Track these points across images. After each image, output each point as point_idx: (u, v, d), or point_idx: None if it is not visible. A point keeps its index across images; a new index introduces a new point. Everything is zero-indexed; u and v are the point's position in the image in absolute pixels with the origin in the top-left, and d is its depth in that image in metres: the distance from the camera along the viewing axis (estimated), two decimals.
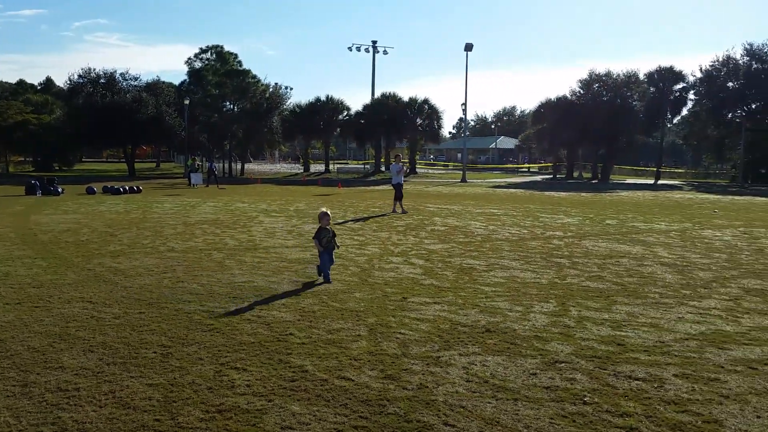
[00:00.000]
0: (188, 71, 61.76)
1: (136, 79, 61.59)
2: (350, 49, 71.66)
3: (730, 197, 34.67)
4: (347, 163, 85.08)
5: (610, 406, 4.57)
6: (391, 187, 21.25)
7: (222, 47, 61.71)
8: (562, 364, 5.46)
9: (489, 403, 4.62)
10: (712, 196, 35.34)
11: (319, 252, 9.02)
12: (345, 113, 67.78)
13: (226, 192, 32.83)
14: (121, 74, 60.10)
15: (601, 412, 4.46)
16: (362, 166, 74.52)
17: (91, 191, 29.78)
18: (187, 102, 55.21)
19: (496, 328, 6.58)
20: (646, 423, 4.28)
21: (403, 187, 21.31)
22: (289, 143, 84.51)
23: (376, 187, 41.66)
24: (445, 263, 10.60)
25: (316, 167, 73.65)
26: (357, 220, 17.68)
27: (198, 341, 6.04)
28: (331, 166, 71.18)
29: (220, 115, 60.59)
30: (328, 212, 9.46)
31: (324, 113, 66.07)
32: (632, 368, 5.37)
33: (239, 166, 63.49)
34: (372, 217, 18.92)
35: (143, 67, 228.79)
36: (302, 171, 68.62)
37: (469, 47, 53.19)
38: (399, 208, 20.36)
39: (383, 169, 67.35)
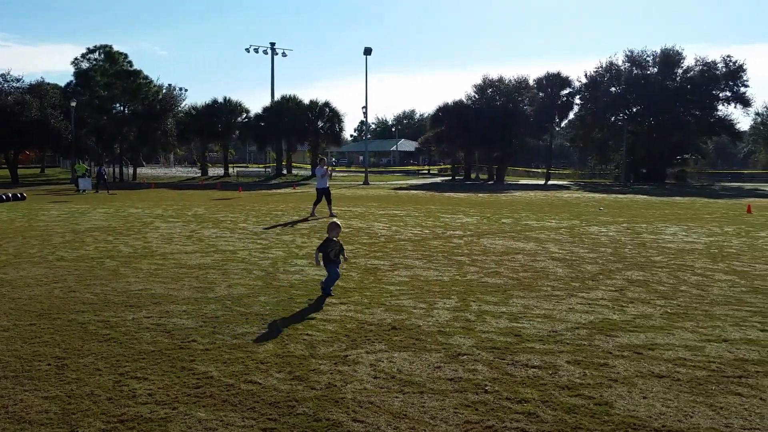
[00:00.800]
0: (75, 72, 58.71)
1: (18, 80, 57.96)
2: (248, 50, 70.66)
3: (614, 196, 36.99)
4: (247, 167, 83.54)
5: (510, 393, 4.80)
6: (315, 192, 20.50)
7: (111, 47, 59.10)
8: (465, 357, 5.66)
9: (396, 397, 4.73)
10: (597, 195, 37.58)
11: (328, 264, 8.21)
12: (244, 115, 66.63)
13: (117, 197, 31.43)
14: (1, 75, 56.25)
15: (501, 400, 4.68)
16: (263, 170, 73.47)
17: None
18: (73, 104, 52.45)
19: (401, 325, 6.72)
20: (543, 408, 4.54)
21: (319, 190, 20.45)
22: (185, 146, 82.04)
23: (279, 191, 41.22)
24: (349, 264, 10.67)
25: (215, 171, 71.83)
26: (260, 224, 17.44)
27: (95, 352, 5.78)
28: (230, 170, 69.71)
29: (109, 118, 57.95)
30: (340, 224, 8.81)
31: (222, 115, 64.61)
32: (529, 357, 5.66)
33: (131, 171, 60.89)
34: (278, 222, 18.73)
35: (26, 68, 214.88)
36: (200, 175, 66.74)
37: (368, 51, 53.72)
38: (318, 211, 19.94)
39: (285, 172, 66.74)
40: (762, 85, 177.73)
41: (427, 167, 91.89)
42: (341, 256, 8.46)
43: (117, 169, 59.56)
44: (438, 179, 69.03)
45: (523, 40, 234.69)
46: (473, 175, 70.16)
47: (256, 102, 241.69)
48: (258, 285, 8.84)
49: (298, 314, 7.17)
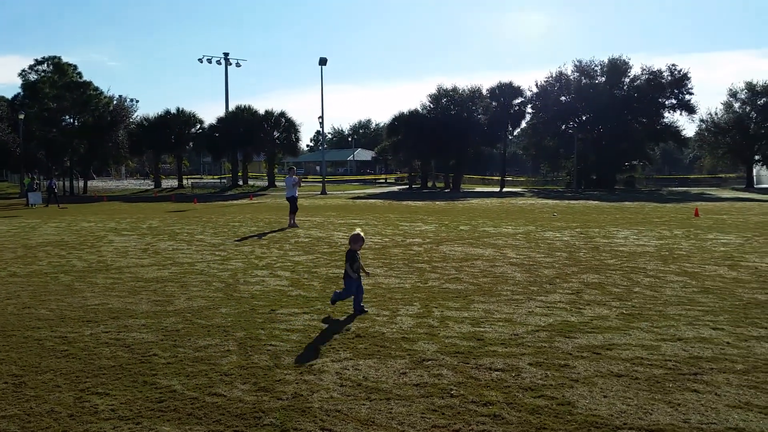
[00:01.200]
0: (23, 84, 57.17)
1: None
2: (201, 60, 69.65)
3: (566, 202, 37.79)
4: (202, 178, 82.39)
5: (475, 396, 4.87)
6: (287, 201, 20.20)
7: (60, 58, 57.72)
8: (429, 362, 5.72)
9: (363, 404, 4.74)
10: (550, 201, 38.34)
11: (348, 278, 7.71)
12: (198, 126, 65.81)
13: (68, 211, 30.61)
14: None
15: (467, 403, 4.74)
16: (218, 181, 72.55)
17: None
18: (21, 117, 50.90)
19: (365, 333, 6.74)
20: (507, 409, 4.62)
21: (292, 200, 20.09)
22: (137, 158, 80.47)
23: (235, 202, 40.75)
24: (311, 274, 10.65)
25: (169, 183, 70.64)
26: (217, 236, 17.22)
27: (53, 368, 5.63)
28: (185, 182, 68.63)
29: (59, 130, 56.46)
30: (363, 235, 8.18)
31: (175, 126, 63.68)
32: (492, 360, 5.74)
33: (81, 184, 59.37)
34: (250, 233, 18.52)
35: None
36: (153, 187, 65.52)
37: (323, 61, 53.76)
38: (291, 221, 19.79)
39: (241, 183, 66.07)
40: (705, 93, 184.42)
41: (384, 176, 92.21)
42: (362, 270, 8.04)
43: (67, 183, 57.98)
44: (395, 188, 69.33)
45: (476, 51, 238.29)
46: (430, 184, 70.72)
47: (210, 113, 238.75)
48: (218, 297, 8.74)
49: (260, 325, 7.11)
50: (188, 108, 78.77)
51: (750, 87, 65.91)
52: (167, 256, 13.18)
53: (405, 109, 64.90)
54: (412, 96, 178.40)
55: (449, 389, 5.03)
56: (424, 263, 11.77)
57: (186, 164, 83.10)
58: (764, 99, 65.40)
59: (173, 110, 64.13)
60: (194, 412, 4.61)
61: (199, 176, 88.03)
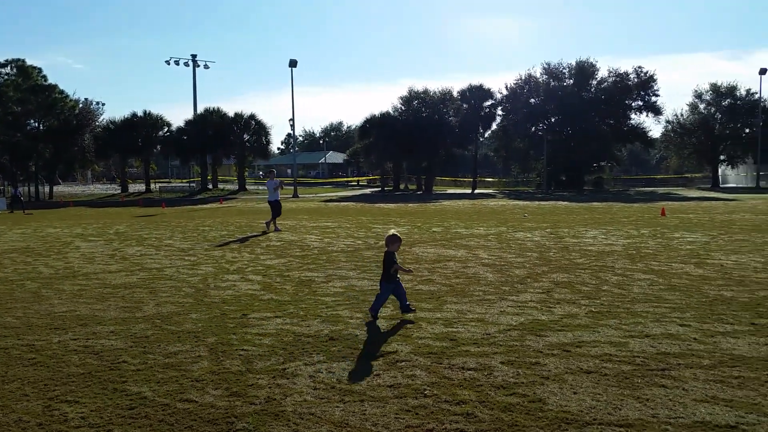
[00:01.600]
0: None
1: None
2: (168, 62, 68.82)
3: (537, 203, 38.22)
4: (170, 182, 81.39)
5: (448, 396, 4.90)
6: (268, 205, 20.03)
7: (24, 61, 56.46)
8: (403, 363, 5.74)
9: (337, 407, 4.74)
10: (521, 202, 38.74)
11: (387, 283, 7.51)
12: (165, 129, 64.92)
13: (33, 217, 29.99)
14: None
15: (440, 403, 4.77)
16: (187, 185, 71.76)
17: None
18: None
19: (338, 335, 6.73)
20: (480, 408, 4.66)
21: (273, 204, 19.88)
22: (104, 162, 79.14)
23: (204, 206, 40.35)
24: (283, 277, 10.60)
25: (136, 187, 69.66)
26: (186, 240, 17.03)
27: (20, 377, 5.52)
28: (152, 185, 67.74)
29: (23, 134, 55.27)
30: (400, 236, 7.87)
31: (142, 129, 62.76)
32: (465, 360, 5.79)
33: (47, 189, 58.22)
34: (230, 238, 18.34)
35: None
36: (120, 191, 64.55)
37: (293, 63, 53.59)
38: (272, 226, 19.61)
39: (210, 186, 65.44)
40: (671, 95, 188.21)
41: (356, 179, 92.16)
42: (401, 270, 7.80)
43: (32, 188, 56.81)
44: (367, 190, 69.34)
45: (447, 54, 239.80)
46: (402, 186, 70.90)
47: (178, 115, 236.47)
48: (188, 302, 8.64)
49: (232, 330, 7.06)
50: (155, 111, 77.64)
51: (714, 88, 67.41)
52: (135, 261, 13.00)
53: (377, 111, 65.04)
54: (383, 98, 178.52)
55: (423, 389, 5.05)
56: None
57: (153, 168, 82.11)
58: (729, 100, 66.95)
59: (140, 113, 63.19)
60: (165, 419, 4.56)
61: (167, 180, 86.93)
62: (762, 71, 62.11)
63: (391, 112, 64.76)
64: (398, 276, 7.68)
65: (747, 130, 66.58)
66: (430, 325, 7.13)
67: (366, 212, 29.71)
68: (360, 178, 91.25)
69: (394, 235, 7.73)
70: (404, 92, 67.27)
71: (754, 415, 4.44)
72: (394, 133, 60.21)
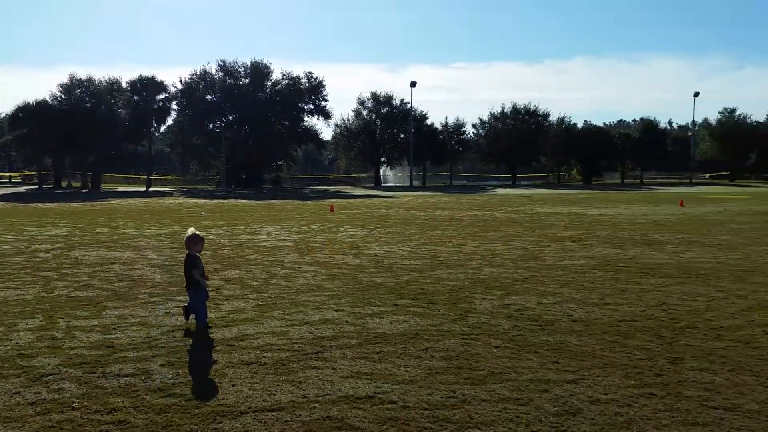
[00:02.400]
0: None
1: None
2: None
3: (215, 201, 38.03)
4: None
5: (100, 406, 4.58)
6: None
7: None
8: (50, 377, 5.19)
9: None
10: (200, 200, 38.16)
11: (196, 287, 6.75)
12: None
13: None
14: None
15: (90, 414, 4.44)
16: None
17: None
18: None
19: None
20: (134, 413, 4.45)
21: None
22: None
23: None
24: None
25: None
26: None
27: None
28: None
29: None
30: (202, 236, 7.20)
31: None
32: (121, 367, 5.47)
33: None
34: None
35: None
36: None
37: None
38: None
39: None
40: (344, 100, 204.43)
41: (8, 174, 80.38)
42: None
43: None
44: (22, 188, 61.10)
45: (115, 41, 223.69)
46: (65, 183, 64.08)
47: None
48: None
49: None
50: None
51: (375, 96, 75.19)
52: None
53: (31, 99, 57.54)
54: (39, 84, 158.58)
55: (71, 402, 4.64)
56: (52, 271, 10.63)
57: None
58: (386, 108, 75.21)
59: None
60: None
61: None
62: (412, 84, 71.23)
63: (49, 100, 58.04)
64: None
65: (402, 135, 75.61)
66: (86, 333, 6.58)
67: (18, 213, 26.11)
68: (13, 174, 79.90)
69: (194, 235, 7.08)
70: (64, 79, 60.62)
71: (389, 384, 5.06)
72: (53, 124, 54.02)
